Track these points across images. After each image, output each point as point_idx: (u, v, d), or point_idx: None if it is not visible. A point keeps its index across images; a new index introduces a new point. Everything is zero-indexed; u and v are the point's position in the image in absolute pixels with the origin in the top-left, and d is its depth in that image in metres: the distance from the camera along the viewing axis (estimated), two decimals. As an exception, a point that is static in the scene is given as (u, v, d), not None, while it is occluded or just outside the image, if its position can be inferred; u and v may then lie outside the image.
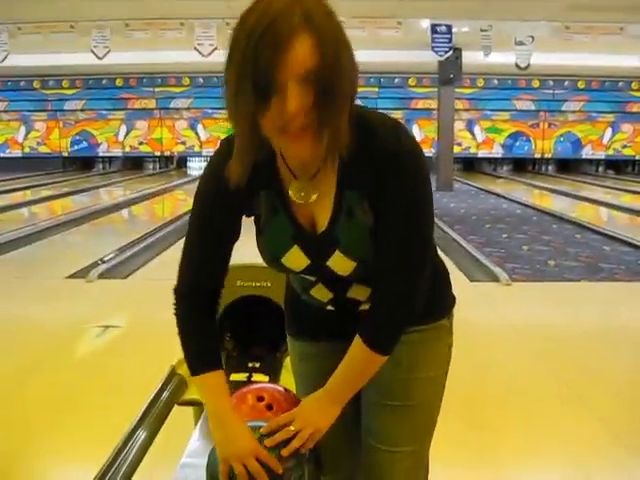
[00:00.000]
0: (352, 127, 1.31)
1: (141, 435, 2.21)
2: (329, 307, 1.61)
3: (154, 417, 2.34)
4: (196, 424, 2.24)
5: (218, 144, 1.49)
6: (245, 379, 2.37)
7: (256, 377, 2.35)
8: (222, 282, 1.57)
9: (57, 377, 3.85)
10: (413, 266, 1.44)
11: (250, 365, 2.39)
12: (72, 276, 6.33)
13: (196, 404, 2.35)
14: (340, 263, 1.46)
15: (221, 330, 2.53)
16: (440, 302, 1.65)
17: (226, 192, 1.41)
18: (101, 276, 6.21)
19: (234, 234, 1.52)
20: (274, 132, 1.28)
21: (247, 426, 1.48)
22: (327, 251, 1.46)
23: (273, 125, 1.26)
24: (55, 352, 4.30)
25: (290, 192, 1.43)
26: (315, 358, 1.70)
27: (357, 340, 1.48)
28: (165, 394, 2.38)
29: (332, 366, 1.55)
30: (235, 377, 2.40)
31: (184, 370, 2.41)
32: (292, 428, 1.46)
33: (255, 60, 1.20)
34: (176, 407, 2.38)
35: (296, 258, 1.48)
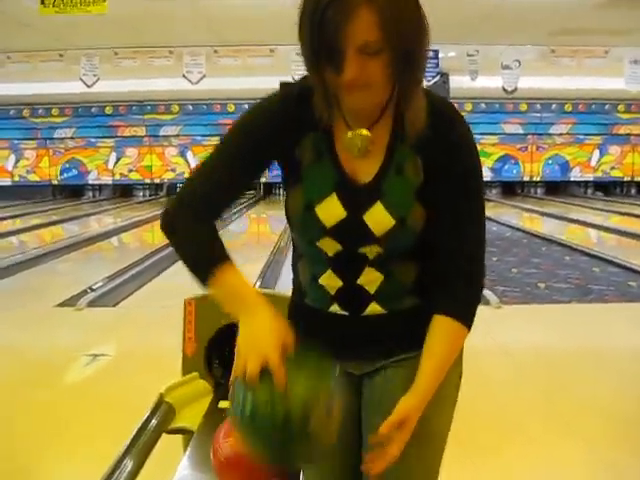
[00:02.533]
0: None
1: (128, 464, 2.18)
2: (333, 307, 1.55)
3: (142, 445, 2.31)
4: (184, 452, 2.22)
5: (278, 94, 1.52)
6: (234, 406, 2.35)
7: (245, 404, 2.33)
8: (221, 214, 1.52)
9: (45, 406, 3.82)
10: (480, 234, 1.51)
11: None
12: (61, 304, 6.29)
13: (184, 432, 2.33)
14: (379, 218, 1.44)
15: (209, 357, 2.52)
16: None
17: (276, 126, 1.46)
18: (90, 304, 6.18)
19: (255, 175, 1.51)
20: (335, 88, 1.35)
21: (277, 321, 1.40)
22: (368, 202, 1.44)
23: (334, 83, 1.34)
24: (43, 381, 4.26)
25: (345, 140, 1.45)
26: None
27: (439, 321, 1.47)
28: (153, 422, 2.35)
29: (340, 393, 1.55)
30: (224, 404, 2.38)
31: (172, 398, 2.39)
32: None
33: (320, 26, 1.28)
34: (164, 435, 2.36)
35: (332, 208, 1.45)
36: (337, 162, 1.47)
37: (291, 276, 1.70)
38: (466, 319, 1.49)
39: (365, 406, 1.61)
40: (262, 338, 1.36)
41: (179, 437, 2.38)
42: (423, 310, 1.53)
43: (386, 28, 1.28)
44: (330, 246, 1.50)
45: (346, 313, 1.55)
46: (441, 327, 1.48)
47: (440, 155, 1.43)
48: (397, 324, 1.56)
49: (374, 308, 1.54)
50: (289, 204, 1.51)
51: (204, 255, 1.48)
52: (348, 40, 1.28)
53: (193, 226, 1.49)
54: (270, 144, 1.48)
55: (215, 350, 2.52)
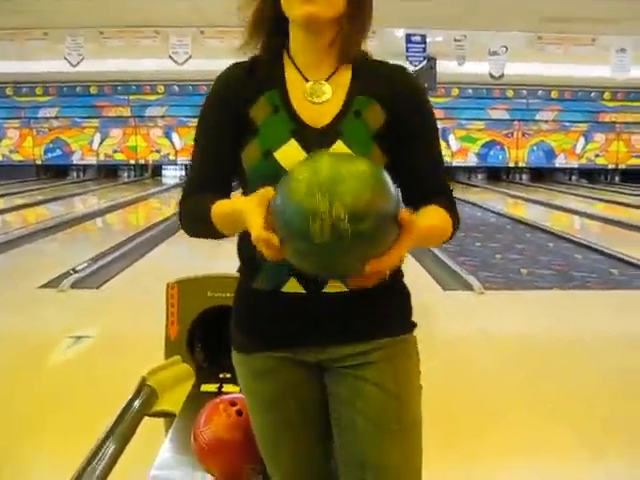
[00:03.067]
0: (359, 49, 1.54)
1: (111, 446, 2.18)
2: (290, 284, 1.50)
3: (124, 428, 2.31)
4: (166, 436, 2.23)
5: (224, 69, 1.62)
6: (216, 390, 2.36)
7: (227, 388, 2.34)
8: (225, 191, 1.56)
9: (27, 388, 3.81)
10: (445, 178, 1.64)
11: (221, 376, 2.38)
12: (44, 286, 6.27)
13: (166, 416, 2.34)
14: None
15: (192, 340, 2.53)
16: (407, 313, 1.62)
17: (232, 94, 1.55)
18: (73, 286, 6.16)
19: (236, 147, 1.53)
20: None
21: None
22: (327, 143, 1.47)
23: None
24: (26, 362, 4.25)
25: (304, 91, 1.52)
26: (273, 373, 1.58)
27: (432, 205, 1.50)
28: (135, 405, 2.35)
29: (292, 383, 1.55)
30: (206, 388, 2.39)
31: (155, 381, 2.40)
32: None
33: None
34: (146, 419, 2.36)
35: (291, 151, 1.47)
36: (293, 112, 1.51)
37: None
38: (453, 221, 1.54)
39: (334, 400, 1.56)
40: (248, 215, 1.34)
41: (161, 420, 2.39)
42: (390, 293, 1.54)
43: None
44: None
45: (303, 291, 1.50)
46: (432, 208, 1.50)
47: (403, 102, 1.53)
48: (360, 304, 1.51)
49: (336, 284, 1.49)
50: (244, 159, 1.52)
51: (203, 216, 1.49)
52: None
53: (191, 207, 1.57)
54: (232, 112, 1.54)
55: (198, 334, 2.53)
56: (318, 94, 1.53)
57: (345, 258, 1.28)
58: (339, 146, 1.47)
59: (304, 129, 1.50)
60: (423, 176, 1.56)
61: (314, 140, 1.48)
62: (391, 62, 1.60)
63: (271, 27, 1.53)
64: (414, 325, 1.61)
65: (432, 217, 1.47)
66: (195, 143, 1.61)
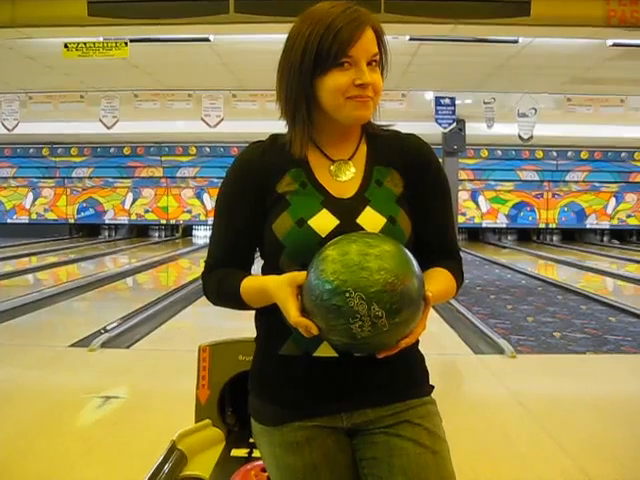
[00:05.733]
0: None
1: (140, 512, 2.17)
2: (322, 348, 1.52)
3: (153, 493, 2.29)
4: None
5: (244, 149, 1.68)
6: (246, 454, 2.33)
7: (257, 453, 2.31)
8: (247, 264, 1.64)
9: (55, 447, 3.79)
10: (455, 237, 1.73)
11: (251, 440, 2.36)
12: (75, 344, 6.29)
13: (196, 480, 2.32)
14: (371, 219, 1.54)
15: (223, 405, 2.51)
16: (428, 375, 1.68)
17: (255, 171, 1.60)
18: (104, 345, 6.17)
19: (258, 222, 1.59)
20: (348, 92, 1.51)
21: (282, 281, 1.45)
22: (357, 209, 1.56)
23: (348, 86, 1.51)
24: (54, 422, 4.24)
25: (331, 170, 1.60)
26: (305, 445, 1.56)
27: (439, 268, 1.60)
28: (165, 469, 2.34)
29: (325, 452, 1.54)
30: (236, 452, 2.37)
31: (184, 445, 2.38)
32: None
33: (336, 38, 1.48)
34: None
35: (325, 219, 1.54)
36: (321, 187, 1.58)
37: None
38: (458, 282, 1.64)
39: (370, 464, 1.55)
40: (281, 299, 1.42)
41: (190, 485, 2.36)
42: (415, 356, 1.64)
43: (381, 46, 1.56)
44: None
45: (335, 355, 1.52)
46: (440, 271, 1.60)
47: (419, 169, 1.63)
48: (390, 366, 1.55)
49: None
50: (276, 229, 1.55)
51: (232, 290, 1.56)
52: (362, 50, 1.51)
53: (217, 281, 1.61)
54: (255, 186, 1.60)
55: (228, 397, 2.51)
56: (344, 173, 1.61)
57: (382, 343, 1.37)
58: (369, 211, 1.55)
59: (333, 200, 1.57)
60: (437, 237, 1.66)
61: (344, 209, 1.55)
62: (400, 130, 1.70)
63: (308, 125, 1.58)
64: (433, 387, 1.67)
65: (441, 282, 1.56)
66: (216, 217, 1.66)
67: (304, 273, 1.39)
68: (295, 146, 1.59)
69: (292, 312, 1.37)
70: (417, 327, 1.40)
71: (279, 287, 1.42)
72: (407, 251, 1.40)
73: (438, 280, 1.55)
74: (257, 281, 1.52)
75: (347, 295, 1.30)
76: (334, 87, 1.51)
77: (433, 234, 1.65)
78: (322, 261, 1.36)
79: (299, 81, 1.54)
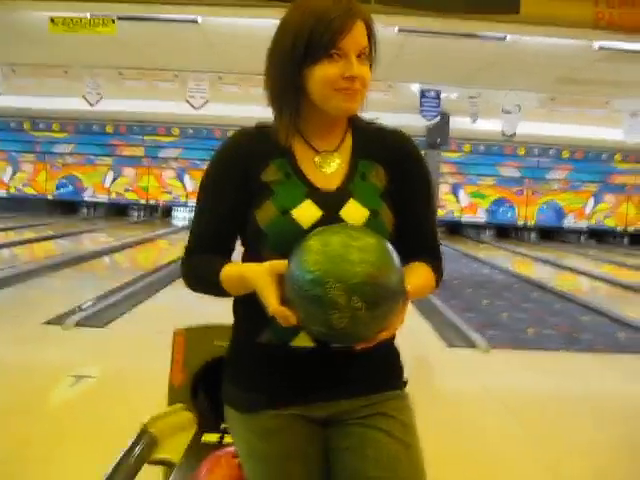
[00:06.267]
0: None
1: (109, 493, 2.16)
2: (299, 338, 1.54)
3: (123, 474, 2.29)
4: (165, 484, 2.21)
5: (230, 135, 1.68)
6: (217, 440, 2.33)
7: (228, 439, 2.32)
8: (227, 251, 1.65)
9: (25, 427, 3.78)
10: (436, 233, 1.76)
11: (223, 426, 2.36)
12: (49, 322, 6.25)
13: (166, 464, 2.32)
14: (354, 211, 1.56)
15: (196, 390, 2.51)
16: (400, 369, 1.70)
17: (241, 158, 1.60)
18: (78, 324, 6.14)
19: (241, 209, 1.59)
20: (337, 84, 1.52)
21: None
22: (341, 202, 1.57)
23: (337, 78, 1.51)
24: (25, 400, 4.22)
25: (315, 161, 1.61)
26: (280, 432, 1.57)
27: (417, 263, 1.63)
28: (136, 451, 2.33)
29: (299, 441, 1.54)
30: (207, 438, 2.37)
31: (156, 428, 2.37)
32: None
33: (327, 24, 1.49)
34: (146, 466, 2.34)
35: (307, 210, 1.54)
36: (305, 178, 1.59)
37: None
38: (437, 276, 1.67)
39: (342, 453, 1.57)
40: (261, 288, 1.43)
41: (160, 468, 2.36)
42: (392, 348, 1.67)
43: (371, 39, 1.57)
44: None
45: (312, 344, 1.54)
46: (420, 266, 1.63)
47: (403, 165, 1.65)
48: (366, 359, 1.56)
49: None
50: (259, 217, 1.55)
51: (211, 269, 1.56)
52: (352, 42, 1.51)
53: (196, 268, 1.62)
54: (240, 174, 1.60)
55: (202, 383, 2.51)
56: (328, 164, 1.61)
57: (360, 335, 1.38)
58: (352, 204, 1.56)
59: (317, 192, 1.57)
60: (418, 231, 1.69)
61: (327, 200, 1.56)
62: (386, 123, 1.71)
63: (293, 113, 1.59)
64: (406, 382, 1.70)
65: (420, 277, 1.59)
66: (198, 203, 1.65)
67: (285, 262, 1.40)
68: (281, 135, 1.60)
69: (271, 301, 1.38)
70: (395, 321, 1.41)
71: (259, 276, 1.42)
72: (389, 245, 1.41)
73: (417, 274, 1.57)
74: (237, 269, 1.52)
75: (328, 286, 1.31)
76: (323, 78, 1.52)
77: (414, 229, 1.67)
78: (304, 251, 1.37)
79: (288, 70, 1.54)
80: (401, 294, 1.40)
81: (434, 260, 1.68)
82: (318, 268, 1.32)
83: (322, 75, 1.51)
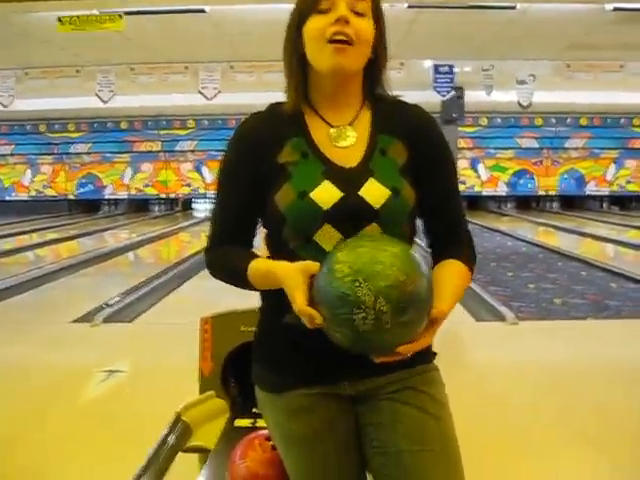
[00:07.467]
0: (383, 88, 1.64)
1: (145, 483, 2.18)
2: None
3: (158, 464, 2.31)
4: (200, 471, 2.22)
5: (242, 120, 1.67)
6: (250, 424, 2.35)
7: (260, 422, 2.33)
8: (249, 239, 1.64)
9: (60, 423, 3.82)
10: (462, 209, 1.71)
11: (255, 410, 2.37)
12: (77, 320, 6.31)
13: (201, 451, 2.33)
14: (374, 190, 1.52)
15: (226, 376, 2.52)
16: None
17: (255, 142, 1.59)
18: (106, 320, 6.19)
19: (260, 194, 1.57)
20: (328, 36, 1.50)
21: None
22: (360, 181, 1.53)
23: (325, 26, 1.50)
24: (58, 397, 4.27)
25: (331, 134, 1.59)
26: (309, 411, 1.58)
27: (450, 261, 1.58)
28: (170, 440, 2.35)
29: (329, 419, 1.55)
30: (240, 422, 2.38)
31: (189, 416, 2.39)
32: None
33: None
34: (181, 454, 2.36)
35: (327, 191, 1.52)
36: (322, 156, 1.56)
37: None
38: (470, 265, 1.62)
39: (374, 429, 1.56)
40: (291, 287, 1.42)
41: (195, 456, 2.38)
42: None
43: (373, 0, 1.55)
44: (328, 239, 1.51)
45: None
46: (452, 265, 1.58)
47: (424, 142, 1.61)
48: None
49: None
50: (278, 201, 1.54)
51: (238, 270, 1.55)
52: None
53: (223, 259, 1.62)
54: (255, 159, 1.58)
55: (231, 368, 2.52)
56: (343, 138, 1.59)
57: (382, 343, 1.37)
58: (372, 183, 1.52)
59: (335, 170, 1.55)
60: (442, 208, 1.65)
61: (346, 179, 1.53)
62: (406, 100, 1.68)
63: (299, 80, 1.59)
64: (436, 354, 1.67)
65: (453, 287, 1.53)
66: (218, 191, 1.64)
67: (318, 264, 1.40)
68: (289, 101, 1.60)
69: (299, 300, 1.38)
70: (421, 338, 1.41)
71: (291, 275, 1.42)
72: (417, 255, 1.41)
73: (449, 285, 1.52)
74: (267, 265, 1.51)
75: (357, 284, 1.31)
76: (313, 29, 1.52)
77: (439, 209, 1.64)
78: (336, 252, 1.39)
79: (289, 35, 1.58)
80: (428, 304, 1.39)
81: (463, 247, 1.64)
82: (350, 266, 1.33)
83: (312, 27, 1.52)
